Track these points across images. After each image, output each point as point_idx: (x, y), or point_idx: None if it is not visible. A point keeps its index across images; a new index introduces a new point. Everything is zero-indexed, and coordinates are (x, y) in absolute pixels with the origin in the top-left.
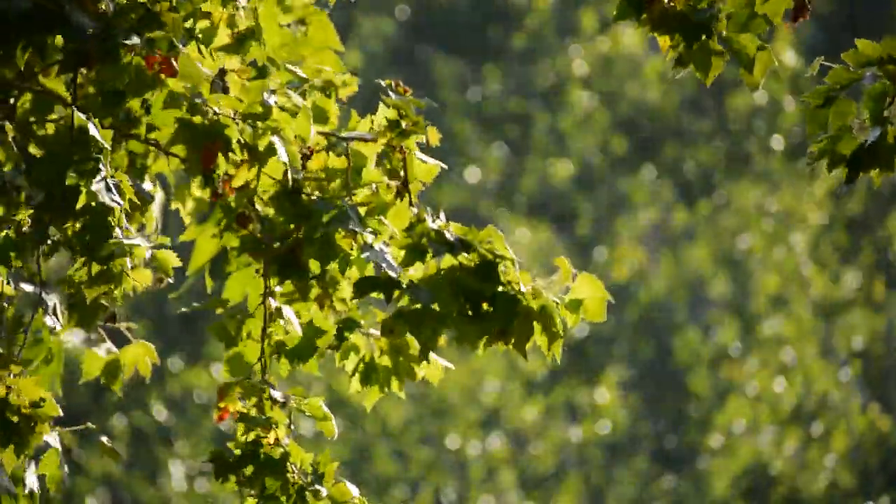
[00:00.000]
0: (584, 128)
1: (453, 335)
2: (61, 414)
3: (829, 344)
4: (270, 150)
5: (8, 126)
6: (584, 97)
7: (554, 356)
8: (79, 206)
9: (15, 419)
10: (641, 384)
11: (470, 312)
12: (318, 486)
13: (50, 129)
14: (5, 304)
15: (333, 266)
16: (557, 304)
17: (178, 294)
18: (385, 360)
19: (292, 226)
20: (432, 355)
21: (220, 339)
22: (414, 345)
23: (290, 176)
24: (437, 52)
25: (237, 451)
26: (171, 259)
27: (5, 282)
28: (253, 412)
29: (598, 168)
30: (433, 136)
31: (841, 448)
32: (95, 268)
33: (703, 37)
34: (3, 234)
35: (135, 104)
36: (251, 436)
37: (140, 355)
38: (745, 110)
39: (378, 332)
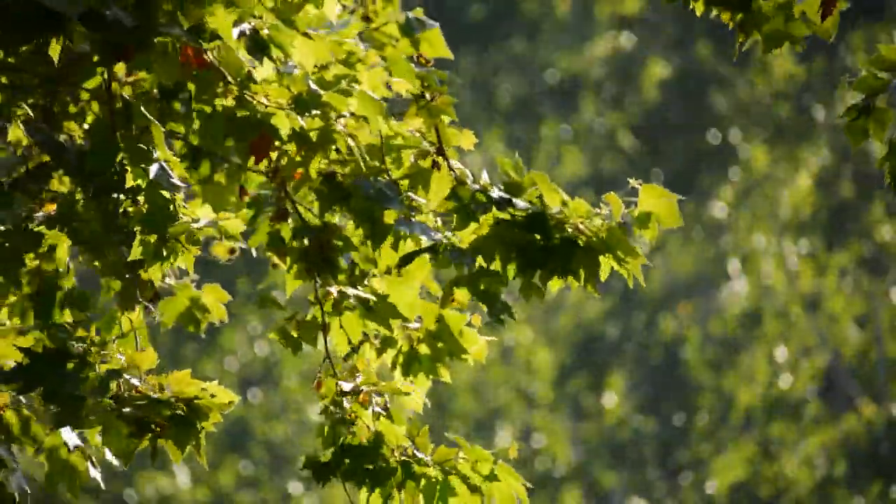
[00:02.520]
0: (592, 125)
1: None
2: (237, 399)
3: (817, 335)
4: (326, 137)
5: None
6: (592, 96)
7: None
8: (131, 185)
9: (182, 411)
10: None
11: (528, 262)
12: (419, 455)
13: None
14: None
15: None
16: (626, 224)
17: (265, 284)
18: (424, 349)
19: (335, 207)
20: (473, 332)
21: (285, 343)
22: (456, 327)
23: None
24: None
25: (324, 450)
26: (237, 226)
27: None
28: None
29: (608, 165)
30: (467, 140)
31: (830, 440)
32: (150, 246)
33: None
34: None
35: (176, 105)
36: (339, 432)
37: (214, 300)
38: (731, 102)
39: (415, 324)
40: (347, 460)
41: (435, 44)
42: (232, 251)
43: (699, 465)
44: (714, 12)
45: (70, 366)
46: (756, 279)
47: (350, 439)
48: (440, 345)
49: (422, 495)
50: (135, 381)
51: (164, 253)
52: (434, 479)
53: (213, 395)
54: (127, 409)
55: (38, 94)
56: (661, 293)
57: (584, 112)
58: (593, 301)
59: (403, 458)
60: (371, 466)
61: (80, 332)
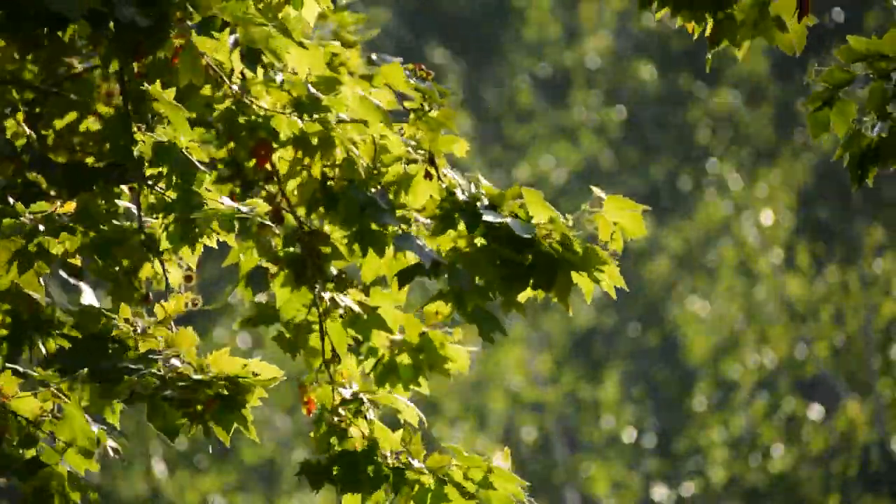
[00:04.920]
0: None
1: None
2: (281, 373)
3: (806, 345)
4: (327, 141)
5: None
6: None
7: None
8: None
9: (225, 391)
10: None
11: (512, 278)
12: (413, 461)
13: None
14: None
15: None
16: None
17: (221, 304)
18: (405, 359)
19: (321, 210)
20: (456, 347)
21: (283, 348)
22: (438, 340)
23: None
24: (437, 45)
25: (318, 456)
26: (263, 207)
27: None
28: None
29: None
30: (461, 148)
31: (821, 449)
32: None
33: (729, 10)
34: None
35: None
36: (334, 441)
37: (188, 345)
38: (708, 120)
39: (398, 336)
40: (341, 467)
41: (393, 77)
42: (195, 304)
43: (697, 454)
44: (678, 18)
45: (111, 348)
46: (744, 284)
47: (344, 445)
48: (421, 356)
49: (413, 502)
50: (176, 362)
51: (192, 236)
52: (427, 486)
53: (255, 373)
54: (171, 391)
55: (26, 103)
56: (655, 287)
57: (574, 107)
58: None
59: (397, 464)
60: (364, 473)
61: (121, 316)
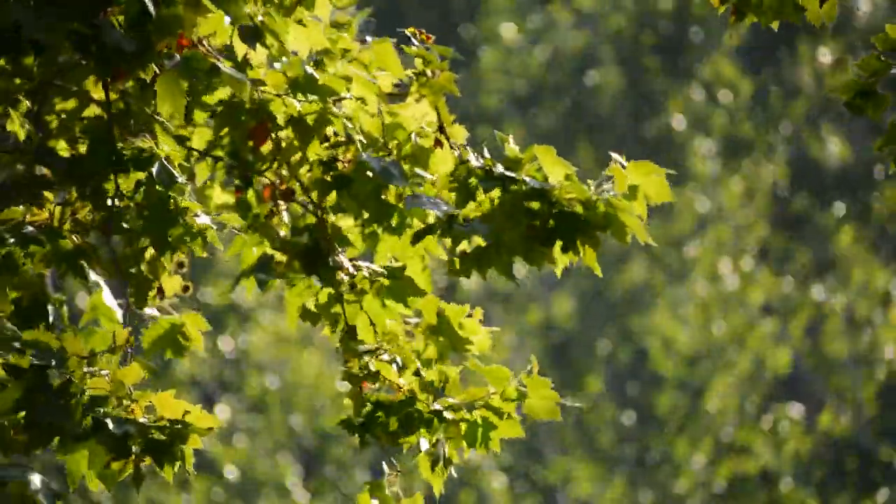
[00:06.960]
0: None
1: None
2: (218, 423)
3: (781, 343)
4: (323, 120)
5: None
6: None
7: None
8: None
9: (160, 437)
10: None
11: (533, 238)
12: (450, 400)
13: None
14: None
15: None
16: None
17: (226, 291)
18: (431, 350)
19: (333, 192)
20: (474, 322)
21: (305, 319)
22: (455, 319)
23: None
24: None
25: (357, 412)
26: (235, 220)
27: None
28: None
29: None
30: (459, 134)
31: (799, 448)
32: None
33: None
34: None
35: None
36: (370, 396)
37: (194, 327)
38: (680, 116)
39: (414, 318)
40: (382, 415)
41: (386, 57)
42: (186, 289)
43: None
44: None
45: (55, 384)
46: (715, 288)
47: (381, 397)
48: (441, 339)
49: (464, 441)
50: (116, 404)
51: (166, 250)
52: (473, 421)
53: (188, 425)
54: (105, 435)
55: (26, 98)
56: (628, 294)
57: (545, 108)
58: (563, 301)
59: (435, 407)
60: (403, 421)
61: (69, 344)
